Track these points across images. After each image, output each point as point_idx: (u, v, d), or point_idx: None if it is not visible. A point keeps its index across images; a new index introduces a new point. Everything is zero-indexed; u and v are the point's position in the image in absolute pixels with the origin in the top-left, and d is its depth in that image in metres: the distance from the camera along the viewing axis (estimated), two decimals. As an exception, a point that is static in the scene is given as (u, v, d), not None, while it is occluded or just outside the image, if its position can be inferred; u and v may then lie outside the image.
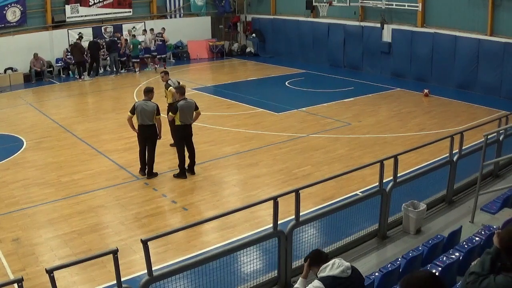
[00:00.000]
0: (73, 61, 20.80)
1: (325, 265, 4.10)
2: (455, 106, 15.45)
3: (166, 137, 10.89)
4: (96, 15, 22.26)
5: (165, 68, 20.17)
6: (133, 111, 9.70)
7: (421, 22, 18.68)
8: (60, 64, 21.29)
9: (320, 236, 7.17)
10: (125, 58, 21.91)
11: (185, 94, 10.08)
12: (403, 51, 19.27)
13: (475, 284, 3.35)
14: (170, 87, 11.14)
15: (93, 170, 10.53)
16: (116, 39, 21.34)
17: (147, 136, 9.84)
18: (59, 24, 21.27)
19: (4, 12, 19.77)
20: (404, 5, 18.90)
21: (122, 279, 4.56)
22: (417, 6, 18.60)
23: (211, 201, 9.04)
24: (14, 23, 20.15)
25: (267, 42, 25.70)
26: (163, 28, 22.30)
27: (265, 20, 25.63)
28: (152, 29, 22.37)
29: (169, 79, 11.58)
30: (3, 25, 19.88)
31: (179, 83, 11.40)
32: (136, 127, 9.86)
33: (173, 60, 24.27)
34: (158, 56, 22.35)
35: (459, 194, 8.24)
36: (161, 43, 22.30)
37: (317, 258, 4.26)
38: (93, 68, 21.16)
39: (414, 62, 18.99)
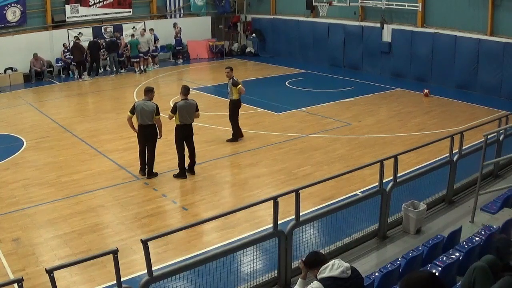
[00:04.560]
0: (73, 61, 20.81)
1: (324, 266, 4.08)
2: (455, 106, 15.45)
3: (166, 137, 10.88)
4: (96, 15, 22.26)
5: (181, 59, 23.44)
6: (132, 111, 9.71)
7: (421, 22, 18.67)
8: (60, 64, 21.28)
9: (320, 236, 7.17)
10: (124, 58, 21.92)
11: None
12: (403, 51, 19.27)
13: None
14: (240, 85, 11.55)
15: (93, 170, 10.53)
16: (116, 39, 21.34)
17: (147, 136, 9.84)
18: (59, 24, 21.27)
19: (4, 12, 19.76)
20: (404, 5, 18.90)
21: (122, 279, 4.56)
22: (417, 6, 18.60)
23: (211, 201, 9.04)
24: (14, 23, 20.14)
25: (267, 42, 25.70)
26: (175, 23, 23.80)
27: (265, 20, 25.63)
28: (151, 29, 22.39)
29: (233, 75, 11.73)
30: (3, 25, 19.87)
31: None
32: (136, 127, 9.87)
33: (173, 60, 24.25)
34: (177, 48, 24.03)
35: (459, 194, 8.25)
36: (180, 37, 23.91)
37: (315, 261, 4.25)
38: (93, 68, 21.17)
39: (414, 62, 18.98)
